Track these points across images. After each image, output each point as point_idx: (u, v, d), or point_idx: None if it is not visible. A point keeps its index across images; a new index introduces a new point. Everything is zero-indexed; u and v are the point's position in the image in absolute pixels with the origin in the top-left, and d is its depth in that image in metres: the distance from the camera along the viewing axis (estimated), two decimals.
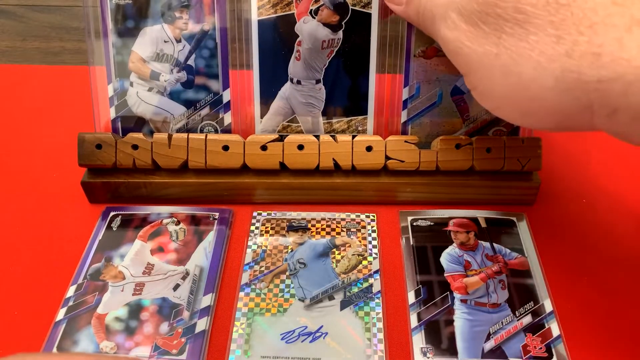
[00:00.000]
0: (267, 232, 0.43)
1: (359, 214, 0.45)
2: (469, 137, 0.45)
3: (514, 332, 0.37)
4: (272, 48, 0.44)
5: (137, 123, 0.46)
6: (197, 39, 0.45)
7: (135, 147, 0.44)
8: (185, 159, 0.45)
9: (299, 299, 0.38)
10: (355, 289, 0.39)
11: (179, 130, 0.46)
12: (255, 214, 0.45)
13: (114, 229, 0.44)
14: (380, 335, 0.36)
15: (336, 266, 0.40)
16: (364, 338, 0.36)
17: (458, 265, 0.41)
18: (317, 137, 0.45)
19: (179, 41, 0.45)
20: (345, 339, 0.36)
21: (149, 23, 0.44)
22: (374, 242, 0.43)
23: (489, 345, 0.36)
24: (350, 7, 0.43)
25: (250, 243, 0.42)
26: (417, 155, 0.44)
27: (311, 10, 0.43)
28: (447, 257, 0.42)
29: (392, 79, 0.45)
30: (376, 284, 0.40)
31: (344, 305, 0.38)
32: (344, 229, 0.43)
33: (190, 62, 0.45)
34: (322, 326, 0.37)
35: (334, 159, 0.45)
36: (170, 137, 0.44)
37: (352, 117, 0.46)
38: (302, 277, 0.40)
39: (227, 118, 0.46)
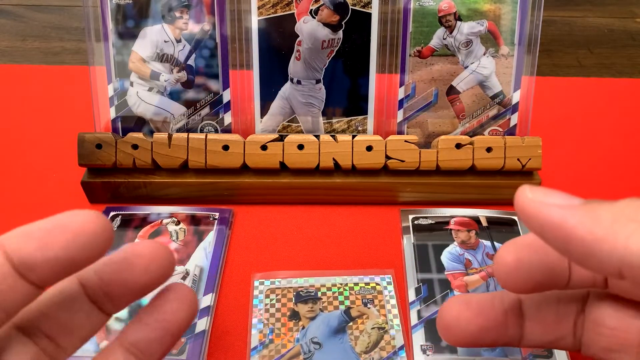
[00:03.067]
0: (272, 305, 0.37)
1: (373, 276, 0.39)
2: (469, 137, 0.45)
3: None
4: (272, 48, 0.44)
5: (137, 123, 0.46)
6: (197, 39, 0.45)
7: (135, 147, 0.44)
8: (185, 158, 0.45)
9: None
10: None
11: (179, 130, 0.46)
12: (256, 283, 0.38)
13: (114, 229, 0.44)
14: None
15: (355, 344, 0.35)
16: None
17: (459, 264, 0.41)
18: (317, 137, 0.45)
19: (179, 41, 0.45)
20: None
21: (149, 23, 0.44)
22: (394, 311, 0.37)
23: None
24: (351, 7, 0.43)
25: (254, 321, 0.36)
26: (417, 155, 0.44)
27: (311, 10, 0.43)
28: (448, 255, 0.42)
29: (387, 79, 0.45)
30: None
31: None
32: (359, 296, 0.38)
33: (191, 62, 0.45)
34: None
35: (334, 159, 0.45)
36: (170, 137, 0.44)
37: (352, 117, 0.46)
38: None
39: (227, 118, 0.46)
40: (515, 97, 0.46)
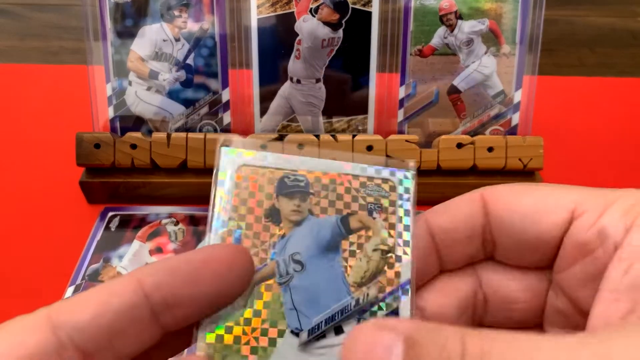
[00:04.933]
0: (242, 192, 0.26)
1: (385, 167, 0.26)
2: (470, 137, 0.44)
3: None
4: (271, 47, 0.44)
5: (135, 122, 0.46)
6: (196, 38, 0.44)
7: (133, 146, 0.44)
8: (184, 158, 0.44)
9: (292, 331, 0.24)
10: (374, 317, 0.25)
11: (178, 130, 0.46)
12: (223, 150, 0.25)
13: (113, 229, 0.44)
14: None
15: (348, 270, 0.26)
16: None
17: None
18: (317, 136, 0.44)
19: (178, 40, 0.44)
20: None
21: (148, 22, 0.44)
22: (407, 223, 0.26)
23: None
24: (351, 5, 0.43)
25: (217, 216, 0.26)
26: (417, 155, 0.44)
27: (311, 8, 0.43)
28: None
29: (388, 78, 0.45)
30: (404, 307, 0.25)
31: None
32: (363, 197, 0.26)
33: (190, 61, 0.45)
34: None
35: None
36: (169, 136, 0.44)
37: (353, 117, 0.46)
38: (297, 288, 0.25)
39: (227, 117, 0.46)
40: (517, 96, 0.46)
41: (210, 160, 0.44)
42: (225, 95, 0.45)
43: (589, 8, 0.76)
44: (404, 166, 0.27)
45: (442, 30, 0.44)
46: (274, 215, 0.25)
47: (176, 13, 0.44)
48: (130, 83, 0.45)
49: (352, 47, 0.44)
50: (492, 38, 0.45)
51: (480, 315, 0.24)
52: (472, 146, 0.44)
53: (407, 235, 0.25)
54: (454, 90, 0.45)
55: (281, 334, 0.23)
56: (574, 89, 0.61)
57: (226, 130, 0.46)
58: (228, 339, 0.23)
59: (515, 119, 0.46)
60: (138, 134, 0.44)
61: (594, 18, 0.74)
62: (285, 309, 0.24)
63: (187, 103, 0.45)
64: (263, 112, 0.46)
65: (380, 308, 0.25)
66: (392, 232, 0.26)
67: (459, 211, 0.23)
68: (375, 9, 0.43)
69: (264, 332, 0.24)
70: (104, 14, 0.44)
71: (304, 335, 0.24)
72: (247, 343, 0.23)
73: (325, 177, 0.27)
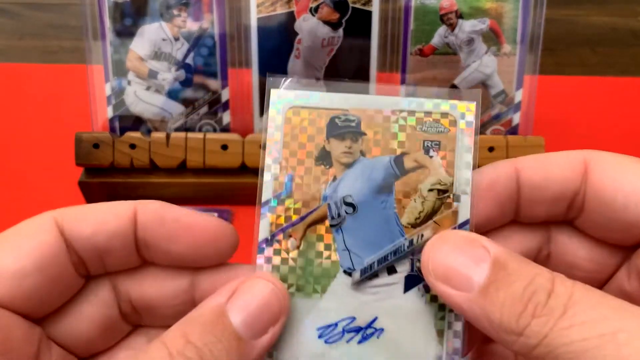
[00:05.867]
0: (294, 137, 0.25)
1: (455, 103, 0.24)
2: None
3: None
4: (271, 46, 0.44)
5: (134, 122, 0.46)
6: (196, 37, 0.44)
7: (133, 146, 0.44)
8: (184, 158, 0.44)
9: (345, 271, 0.24)
10: None
11: (177, 130, 0.46)
12: (273, 97, 0.25)
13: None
14: (458, 341, 0.23)
15: (402, 211, 0.24)
16: (437, 339, 0.24)
17: None
18: None
19: (177, 39, 0.44)
20: (409, 339, 0.24)
21: (147, 21, 0.44)
22: (468, 160, 0.24)
23: None
24: (351, 4, 0.43)
25: (268, 162, 0.25)
26: None
27: (311, 8, 0.43)
28: None
29: (388, 78, 0.45)
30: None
31: (410, 283, 0.24)
32: (420, 135, 0.24)
33: (189, 60, 0.44)
34: (376, 318, 0.24)
35: None
36: (168, 136, 0.44)
37: None
38: (349, 230, 0.24)
39: (226, 117, 0.46)
40: (518, 96, 0.46)
41: (209, 160, 0.44)
42: (225, 95, 0.45)
43: (590, 7, 0.76)
44: (467, 97, 0.25)
45: (442, 30, 0.44)
46: (324, 157, 0.25)
47: (175, 12, 0.44)
48: (129, 83, 0.45)
49: (353, 46, 0.44)
50: (492, 37, 0.44)
51: None
52: None
53: (467, 174, 0.24)
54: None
55: (334, 274, 0.24)
56: (575, 89, 0.61)
57: (225, 129, 0.46)
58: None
59: (516, 118, 0.46)
60: (137, 134, 0.44)
61: (595, 17, 0.74)
62: (338, 250, 0.24)
63: (187, 102, 0.45)
64: (263, 111, 0.45)
65: None
66: (450, 170, 0.24)
67: (556, 171, 0.22)
68: (375, 8, 0.43)
69: (317, 274, 0.24)
70: (103, 13, 0.44)
71: (356, 275, 0.24)
72: (302, 287, 0.24)
73: (378, 115, 0.25)
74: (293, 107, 0.25)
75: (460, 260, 0.20)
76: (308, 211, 0.24)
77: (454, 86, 0.45)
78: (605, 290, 0.22)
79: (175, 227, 0.21)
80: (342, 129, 0.25)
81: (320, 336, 0.24)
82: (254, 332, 0.20)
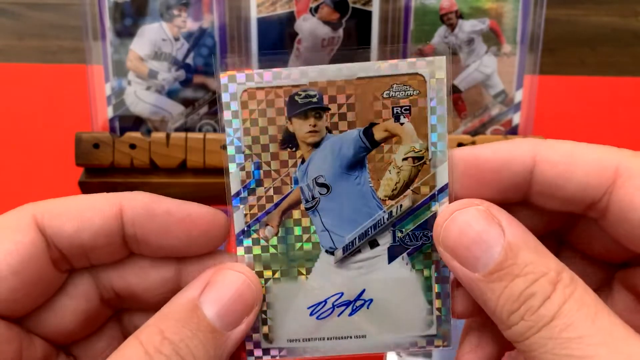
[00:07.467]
0: (254, 122, 0.23)
1: (411, 60, 0.22)
2: (471, 137, 0.44)
3: None
4: (271, 46, 0.44)
5: (135, 122, 0.46)
6: (196, 37, 0.44)
7: (132, 146, 0.44)
8: (184, 158, 0.44)
9: (327, 251, 0.24)
10: (410, 226, 0.23)
11: (177, 129, 0.46)
12: (224, 81, 0.23)
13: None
14: (448, 300, 0.24)
15: (378, 185, 0.23)
16: (425, 303, 0.24)
17: None
18: None
19: (177, 39, 0.44)
20: (398, 306, 0.24)
21: (147, 21, 0.44)
22: (443, 118, 0.23)
23: None
24: (351, 4, 0.43)
25: (230, 151, 0.23)
26: None
27: (311, 7, 0.43)
28: None
29: None
30: (443, 210, 0.22)
31: (393, 254, 0.24)
32: (387, 99, 0.23)
33: (189, 60, 0.44)
34: (364, 290, 0.24)
35: None
36: (168, 136, 0.44)
37: None
38: (325, 211, 0.24)
39: None
40: (518, 96, 0.46)
41: (209, 160, 0.44)
42: None
43: (590, 7, 0.76)
44: (436, 53, 0.23)
45: (442, 30, 0.44)
46: (290, 140, 0.23)
47: (175, 12, 0.44)
48: (129, 83, 0.45)
49: (353, 46, 0.44)
50: (492, 37, 0.44)
51: None
52: (472, 146, 0.44)
53: (443, 134, 0.22)
54: (454, 90, 0.45)
55: (316, 255, 0.24)
56: (575, 89, 0.61)
57: None
58: (262, 269, 0.24)
59: (516, 118, 0.46)
60: (137, 134, 0.44)
61: (595, 17, 0.74)
62: (317, 231, 0.24)
63: (187, 102, 0.45)
64: None
65: (416, 216, 0.23)
66: (423, 132, 0.23)
67: (579, 175, 0.20)
68: (375, 8, 0.43)
69: (299, 257, 0.24)
70: (103, 13, 0.44)
71: (339, 253, 0.24)
72: (286, 272, 0.24)
73: (339, 85, 0.23)
74: (248, 90, 0.23)
75: (472, 236, 0.19)
76: (281, 197, 0.23)
77: (454, 86, 0.45)
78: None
79: (167, 221, 0.21)
80: (303, 106, 0.23)
81: (311, 314, 0.24)
82: (229, 324, 0.20)
